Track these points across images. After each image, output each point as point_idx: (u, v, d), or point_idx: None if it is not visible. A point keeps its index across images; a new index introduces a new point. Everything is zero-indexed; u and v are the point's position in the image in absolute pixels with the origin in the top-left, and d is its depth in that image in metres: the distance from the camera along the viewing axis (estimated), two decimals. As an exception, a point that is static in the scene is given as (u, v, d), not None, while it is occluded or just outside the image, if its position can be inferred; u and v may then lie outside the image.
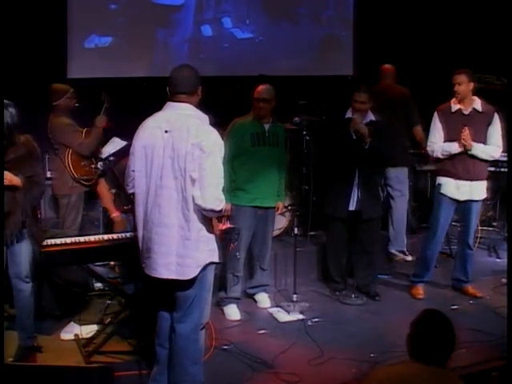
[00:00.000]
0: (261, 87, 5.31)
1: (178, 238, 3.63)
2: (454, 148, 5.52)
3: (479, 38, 8.08)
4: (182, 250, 3.64)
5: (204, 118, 3.72)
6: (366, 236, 5.73)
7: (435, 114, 5.67)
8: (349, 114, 5.66)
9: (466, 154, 5.53)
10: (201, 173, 3.56)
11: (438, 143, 5.60)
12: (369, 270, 5.84)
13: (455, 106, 5.59)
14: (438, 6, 8.45)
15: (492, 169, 6.70)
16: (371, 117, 5.66)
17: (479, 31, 8.09)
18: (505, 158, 6.55)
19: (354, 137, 5.48)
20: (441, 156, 5.62)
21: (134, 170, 3.73)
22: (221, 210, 3.65)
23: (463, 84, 5.49)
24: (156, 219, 3.66)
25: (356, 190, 5.59)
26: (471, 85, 5.53)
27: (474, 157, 5.55)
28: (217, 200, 3.59)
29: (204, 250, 3.70)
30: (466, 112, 5.57)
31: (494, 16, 7.83)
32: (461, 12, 8.30)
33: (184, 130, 3.60)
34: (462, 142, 5.44)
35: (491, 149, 5.56)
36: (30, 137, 4.32)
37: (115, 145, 5.51)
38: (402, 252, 6.71)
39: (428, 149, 5.72)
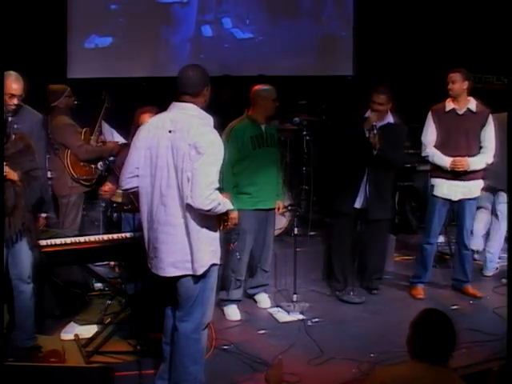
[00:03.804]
0: (270, 87, 5.29)
1: (183, 236, 3.65)
2: (445, 164, 5.53)
3: (479, 38, 8.08)
4: (188, 248, 3.66)
5: (207, 119, 3.71)
6: (372, 237, 5.73)
7: (429, 113, 5.67)
8: (368, 115, 5.63)
9: (460, 155, 5.52)
10: (192, 172, 3.57)
11: (432, 149, 5.60)
12: (373, 273, 5.86)
13: (449, 106, 5.59)
14: (438, 6, 8.46)
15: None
16: (390, 119, 5.59)
17: (479, 31, 8.10)
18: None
19: (367, 135, 5.45)
20: (431, 161, 5.65)
21: (138, 168, 3.73)
22: (209, 210, 3.60)
23: (457, 82, 5.49)
24: (162, 218, 3.67)
25: (364, 189, 5.57)
26: (465, 84, 5.51)
27: (465, 157, 5.54)
28: (206, 199, 3.56)
29: (206, 250, 3.70)
30: (460, 112, 5.56)
31: (494, 16, 7.83)
32: (461, 12, 8.31)
33: (184, 130, 3.61)
34: (456, 169, 5.48)
35: (486, 156, 5.56)
36: (23, 133, 4.34)
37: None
38: None
39: (422, 149, 5.69)
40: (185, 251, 3.66)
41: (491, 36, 7.83)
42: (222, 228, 3.79)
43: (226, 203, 3.71)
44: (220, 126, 3.85)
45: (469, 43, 8.15)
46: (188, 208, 3.61)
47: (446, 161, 5.54)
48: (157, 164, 3.67)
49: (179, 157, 3.60)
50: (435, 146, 5.61)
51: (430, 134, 5.63)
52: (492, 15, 7.93)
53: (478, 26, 8.12)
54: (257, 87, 5.32)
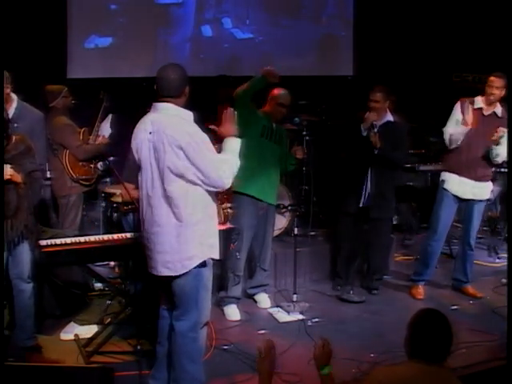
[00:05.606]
0: (283, 92, 5.40)
1: (171, 235, 3.66)
2: (464, 130, 5.46)
3: (479, 38, 8.08)
4: (177, 247, 3.67)
5: (187, 116, 3.71)
6: (374, 236, 5.74)
7: (458, 103, 5.63)
8: (367, 115, 5.62)
9: (472, 154, 5.52)
10: (197, 167, 3.59)
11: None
12: (374, 273, 5.87)
13: (478, 103, 5.57)
14: (438, 5, 8.45)
15: (492, 169, 6.69)
16: (389, 117, 5.62)
17: (479, 31, 8.09)
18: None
19: (364, 134, 5.48)
20: (450, 141, 5.55)
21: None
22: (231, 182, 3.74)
23: (499, 89, 5.47)
24: (150, 219, 3.72)
25: (367, 187, 5.59)
26: (503, 92, 5.50)
27: (480, 158, 5.54)
28: (225, 179, 3.67)
29: (199, 245, 3.70)
30: (486, 113, 5.56)
31: (494, 16, 7.82)
32: (460, 12, 8.30)
33: (161, 130, 3.63)
34: (494, 138, 5.38)
35: (504, 155, 5.55)
36: (23, 134, 4.34)
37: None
38: None
39: (445, 137, 5.63)
40: (173, 250, 3.67)
41: (491, 36, 7.83)
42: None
43: (233, 159, 3.75)
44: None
45: (469, 43, 8.14)
46: (175, 206, 3.63)
47: (463, 127, 5.47)
48: (143, 167, 3.72)
49: (161, 158, 3.63)
50: None
51: (457, 121, 5.55)
52: (492, 15, 7.92)
53: (477, 25, 8.11)
54: (275, 89, 5.40)
